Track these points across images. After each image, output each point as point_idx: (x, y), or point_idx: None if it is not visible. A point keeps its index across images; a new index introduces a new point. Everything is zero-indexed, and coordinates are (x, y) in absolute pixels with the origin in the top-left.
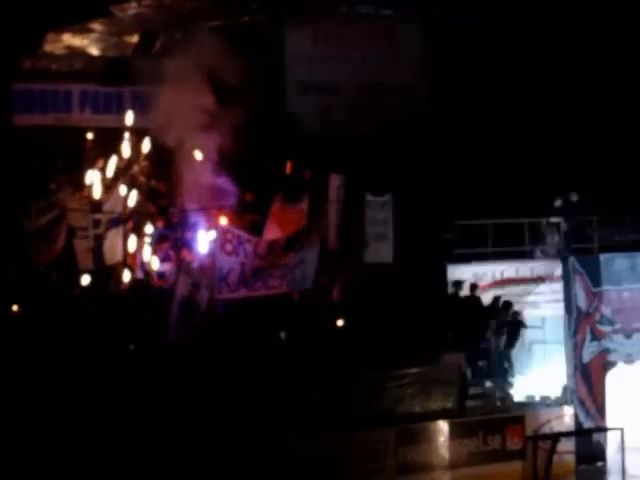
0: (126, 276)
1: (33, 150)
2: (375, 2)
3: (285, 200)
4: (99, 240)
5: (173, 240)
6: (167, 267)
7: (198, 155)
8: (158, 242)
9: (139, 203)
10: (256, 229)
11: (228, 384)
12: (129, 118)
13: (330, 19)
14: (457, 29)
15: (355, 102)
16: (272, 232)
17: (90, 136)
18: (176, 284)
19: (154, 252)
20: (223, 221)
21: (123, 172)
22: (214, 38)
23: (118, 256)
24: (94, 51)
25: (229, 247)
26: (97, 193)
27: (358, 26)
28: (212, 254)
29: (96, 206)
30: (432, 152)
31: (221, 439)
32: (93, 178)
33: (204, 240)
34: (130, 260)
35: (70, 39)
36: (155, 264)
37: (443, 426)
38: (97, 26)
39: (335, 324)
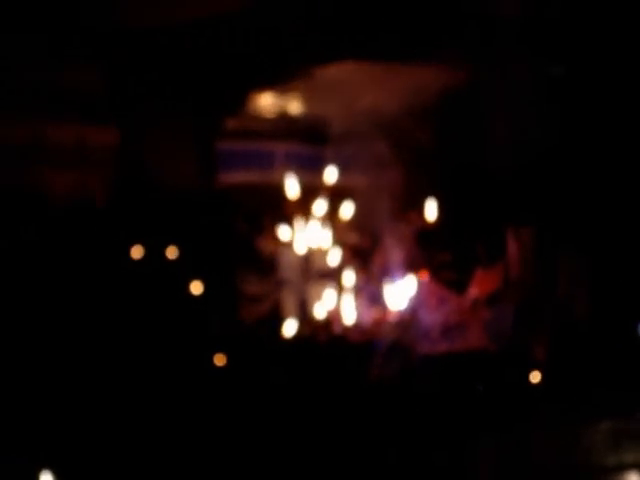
0: (327, 329)
1: (236, 209)
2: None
3: (486, 262)
4: (305, 293)
5: (373, 295)
6: (367, 322)
7: (398, 214)
8: (359, 297)
9: (342, 259)
10: (453, 286)
11: (425, 433)
12: (332, 176)
13: None
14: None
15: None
16: (473, 292)
17: (293, 195)
18: (376, 338)
19: (355, 307)
20: (423, 277)
21: (326, 229)
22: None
23: (322, 310)
24: (295, 111)
25: (432, 304)
26: (302, 249)
27: None
28: (412, 309)
29: (303, 261)
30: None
31: None
32: (298, 235)
33: (404, 295)
34: (332, 315)
35: (272, 99)
36: (354, 318)
37: (634, 478)
38: (299, 86)
39: (530, 377)
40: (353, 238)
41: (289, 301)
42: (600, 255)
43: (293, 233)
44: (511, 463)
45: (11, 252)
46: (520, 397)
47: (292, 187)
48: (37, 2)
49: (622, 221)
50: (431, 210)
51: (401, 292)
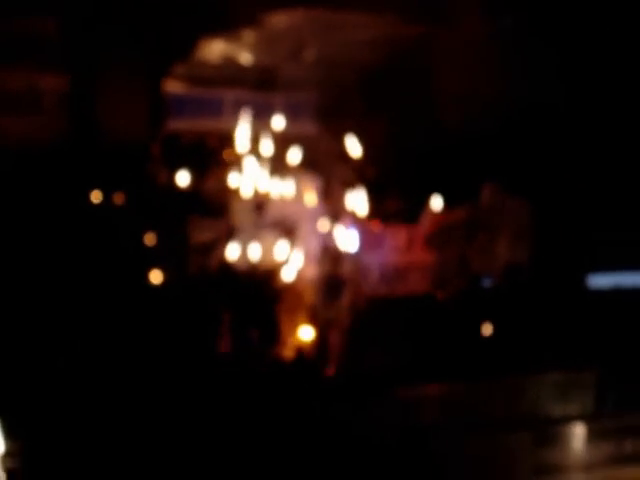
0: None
1: (183, 156)
2: None
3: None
4: (255, 241)
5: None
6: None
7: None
8: (308, 242)
9: (291, 205)
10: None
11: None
12: (280, 124)
13: None
14: None
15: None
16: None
17: (245, 141)
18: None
19: (303, 253)
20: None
21: (276, 176)
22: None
23: (271, 259)
24: (245, 59)
25: (370, 243)
26: (249, 195)
27: None
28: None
29: (256, 209)
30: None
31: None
32: (246, 182)
33: (351, 239)
34: (283, 262)
35: (221, 47)
36: (302, 263)
37: (580, 429)
38: (248, 34)
39: (477, 328)
40: (302, 185)
41: (239, 248)
42: (545, 205)
43: (242, 180)
44: (457, 412)
45: None
46: (468, 347)
47: (244, 133)
48: None
49: (566, 167)
50: (355, 148)
51: (347, 235)
